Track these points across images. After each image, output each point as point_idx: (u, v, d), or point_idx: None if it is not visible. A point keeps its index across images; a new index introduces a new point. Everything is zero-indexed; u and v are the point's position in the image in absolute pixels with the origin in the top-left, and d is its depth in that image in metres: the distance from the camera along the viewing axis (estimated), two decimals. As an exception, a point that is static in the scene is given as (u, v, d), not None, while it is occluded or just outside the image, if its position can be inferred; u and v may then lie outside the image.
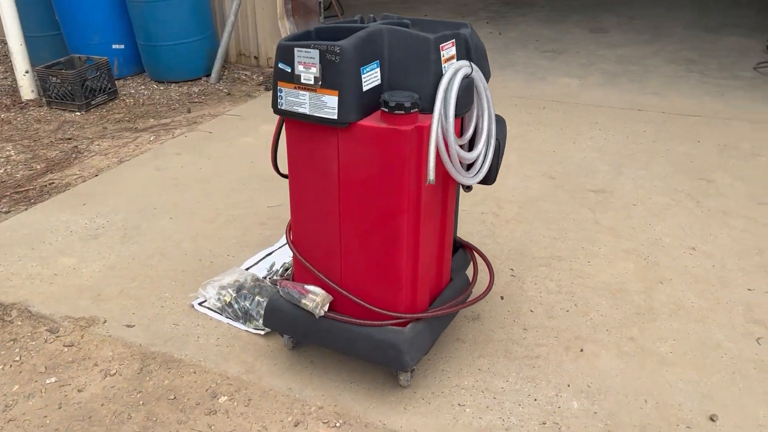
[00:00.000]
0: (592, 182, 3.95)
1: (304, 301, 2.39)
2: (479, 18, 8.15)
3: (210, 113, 5.33)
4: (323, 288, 2.41)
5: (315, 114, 2.09)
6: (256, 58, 6.41)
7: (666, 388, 2.44)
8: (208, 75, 6.09)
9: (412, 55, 2.12)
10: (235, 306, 2.84)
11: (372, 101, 2.11)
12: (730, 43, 6.82)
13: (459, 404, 2.39)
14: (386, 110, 2.03)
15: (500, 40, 7.17)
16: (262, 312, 2.76)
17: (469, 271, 2.72)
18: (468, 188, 2.42)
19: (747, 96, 5.33)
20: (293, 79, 2.09)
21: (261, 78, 6.12)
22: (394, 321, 2.34)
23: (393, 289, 2.31)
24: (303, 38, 2.15)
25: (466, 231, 3.42)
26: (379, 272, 2.29)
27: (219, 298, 2.89)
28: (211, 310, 2.90)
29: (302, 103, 2.10)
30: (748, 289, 2.97)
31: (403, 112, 2.01)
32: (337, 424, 2.31)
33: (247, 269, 3.17)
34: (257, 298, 2.83)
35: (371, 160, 2.12)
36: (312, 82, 2.06)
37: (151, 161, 4.42)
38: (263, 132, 4.85)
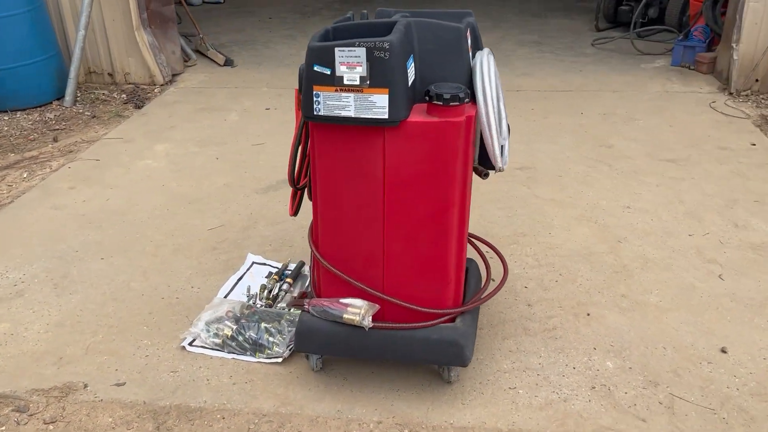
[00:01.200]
0: (513, 160, 4.16)
1: (346, 316, 2.26)
2: (324, 18, 8.15)
3: (83, 139, 4.76)
4: (362, 297, 2.29)
5: (362, 116, 1.98)
6: (110, 74, 5.83)
7: (674, 333, 2.67)
8: (61, 98, 5.43)
9: (443, 45, 2.09)
10: (240, 338, 2.59)
11: (411, 96, 2.04)
12: (558, 25, 7.53)
13: (510, 388, 2.41)
14: (440, 103, 1.98)
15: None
16: (275, 339, 2.57)
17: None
18: (487, 175, 2.44)
19: (599, 69, 5.94)
20: (334, 82, 1.96)
21: (124, 96, 5.59)
22: (443, 318, 2.30)
23: (441, 285, 2.27)
24: (336, 38, 2.02)
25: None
26: (427, 270, 2.24)
27: (216, 333, 2.62)
28: (208, 347, 2.62)
29: (346, 105, 1.98)
30: (689, 235, 3.34)
31: (458, 103, 1.98)
32: (407, 435, 2.22)
33: (225, 297, 2.90)
34: (262, 324, 2.61)
35: (422, 157, 2.06)
36: (358, 83, 1.95)
37: (43, 200, 3.85)
38: (161, 152, 4.45)
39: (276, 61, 6.44)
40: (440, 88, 1.99)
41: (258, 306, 2.77)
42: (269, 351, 2.57)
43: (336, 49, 1.93)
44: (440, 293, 2.28)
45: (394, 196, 2.13)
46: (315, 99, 2.00)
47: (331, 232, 2.26)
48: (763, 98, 5.12)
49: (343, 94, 1.97)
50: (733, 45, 5.19)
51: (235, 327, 2.62)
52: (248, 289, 2.93)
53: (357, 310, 2.25)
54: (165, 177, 4.08)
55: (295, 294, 2.85)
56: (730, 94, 5.23)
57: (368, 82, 1.94)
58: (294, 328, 2.46)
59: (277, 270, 3.04)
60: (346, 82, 1.95)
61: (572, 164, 4.12)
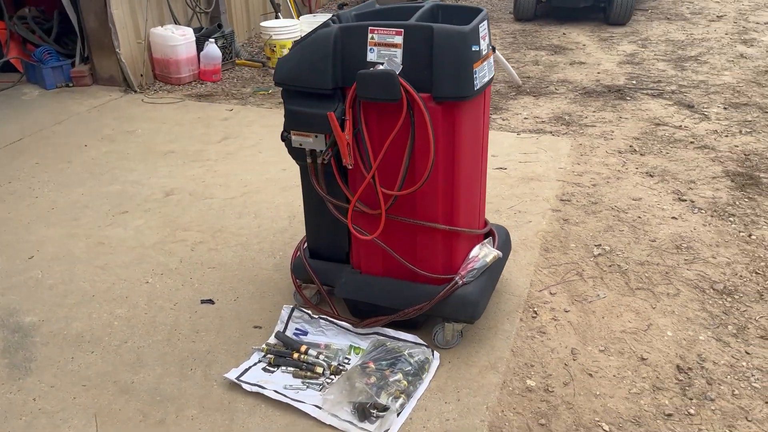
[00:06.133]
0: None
1: (489, 258, 2.57)
2: None
3: None
4: (477, 243, 2.63)
5: (489, 77, 2.35)
6: None
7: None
8: None
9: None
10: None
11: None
12: None
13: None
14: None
15: None
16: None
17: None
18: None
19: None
20: (480, 56, 2.24)
21: None
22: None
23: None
24: (426, 18, 2.26)
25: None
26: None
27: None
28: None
29: (484, 72, 2.30)
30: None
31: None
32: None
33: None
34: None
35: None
36: (486, 50, 2.31)
37: None
38: None
39: None
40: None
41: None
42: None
43: (480, 26, 2.22)
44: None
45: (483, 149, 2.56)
46: (475, 76, 2.22)
47: (464, 197, 2.46)
48: (161, 86, 5.97)
49: (484, 63, 2.28)
50: (117, 51, 5.72)
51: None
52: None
53: (488, 250, 2.60)
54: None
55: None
56: (136, 91, 5.83)
57: (490, 47, 2.33)
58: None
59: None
60: (484, 53, 2.28)
61: (188, 171, 4.23)
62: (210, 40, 6.02)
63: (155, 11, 6.02)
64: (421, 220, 2.44)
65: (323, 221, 2.66)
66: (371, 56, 2.28)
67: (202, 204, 3.82)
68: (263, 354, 2.58)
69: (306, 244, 2.83)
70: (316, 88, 2.35)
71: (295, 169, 4.17)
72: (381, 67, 2.23)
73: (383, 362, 2.42)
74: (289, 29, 6.18)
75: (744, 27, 7.67)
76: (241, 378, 2.46)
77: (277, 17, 6.77)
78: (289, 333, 2.69)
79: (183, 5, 6.35)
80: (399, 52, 2.24)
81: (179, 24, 6.24)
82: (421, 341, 2.57)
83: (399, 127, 2.28)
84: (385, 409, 2.26)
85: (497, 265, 2.67)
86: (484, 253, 2.58)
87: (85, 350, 2.67)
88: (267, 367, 2.53)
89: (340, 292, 2.66)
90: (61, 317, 2.87)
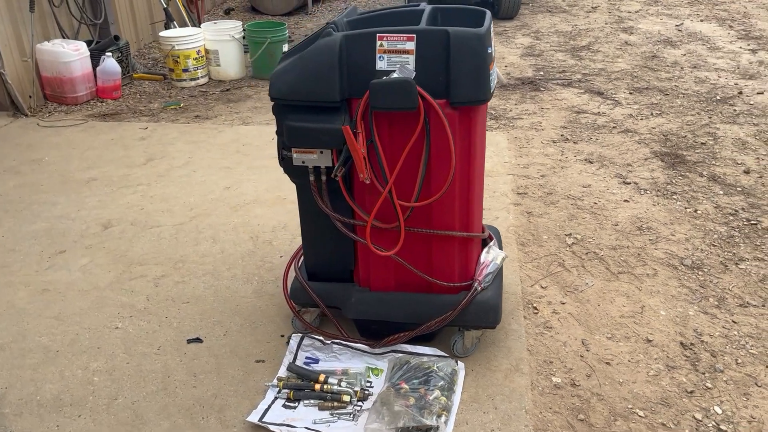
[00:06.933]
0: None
1: (499, 260, 2.55)
2: None
3: None
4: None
5: (495, 82, 2.33)
6: None
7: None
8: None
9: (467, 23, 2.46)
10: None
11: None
12: None
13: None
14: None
15: None
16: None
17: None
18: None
19: None
20: (491, 58, 2.21)
21: None
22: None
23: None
24: (430, 22, 2.21)
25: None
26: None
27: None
28: None
29: (494, 75, 2.27)
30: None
31: (483, 53, 2.57)
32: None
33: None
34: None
35: (483, 104, 2.55)
36: (494, 54, 2.27)
37: None
38: None
39: None
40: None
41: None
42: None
43: (491, 28, 2.18)
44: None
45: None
46: (491, 78, 2.18)
47: (479, 206, 2.42)
48: (55, 107, 5.42)
49: (494, 66, 2.25)
50: (2, 71, 5.11)
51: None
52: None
53: (496, 252, 2.58)
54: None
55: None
56: (27, 115, 5.25)
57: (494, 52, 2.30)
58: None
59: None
60: (493, 54, 2.24)
61: (120, 199, 3.87)
62: (107, 53, 5.55)
63: (39, 25, 5.44)
64: (438, 229, 2.36)
65: (326, 241, 2.51)
66: (381, 64, 2.18)
67: (149, 234, 3.50)
68: (278, 390, 2.40)
69: (300, 266, 2.67)
70: (321, 101, 2.21)
71: (241, 186, 3.95)
72: (395, 75, 2.14)
73: (415, 381, 2.33)
74: (192, 38, 5.83)
75: (619, 16, 8.24)
76: (264, 420, 2.27)
77: (168, 26, 6.35)
78: (299, 363, 2.52)
79: (69, 17, 5.80)
80: (411, 58, 2.15)
81: (67, 38, 5.69)
82: (442, 353, 2.51)
83: (417, 135, 2.19)
84: (428, 429, 2.18)
85: (502, 267, 2.66)
86: (492, 256, 2.55)
87: (69, 415, 2.35)
88: (287, 404, 2.36)
89: (351, 313, 2.53)
90: (28, 381, 2.51)
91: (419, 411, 2.20)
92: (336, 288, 2.58)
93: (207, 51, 6.00)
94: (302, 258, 2.72)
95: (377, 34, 2.15)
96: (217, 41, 5.96)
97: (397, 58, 2.16)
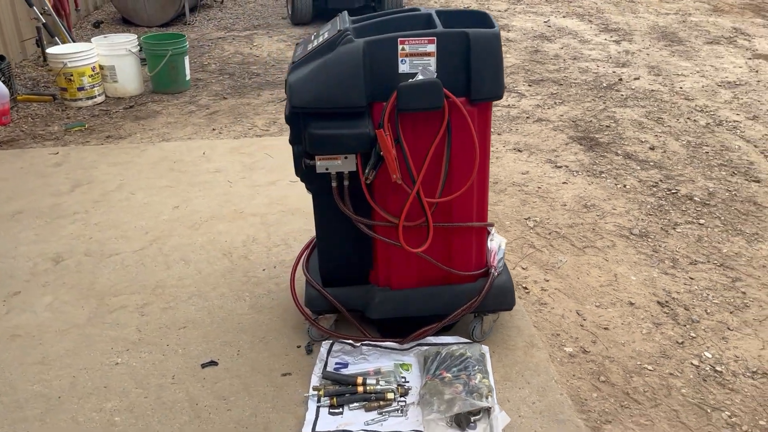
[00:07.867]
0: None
1: (504, 246, 2.71)
2: None
3: None
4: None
5: (498, 76, 2.47)
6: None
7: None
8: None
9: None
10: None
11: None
12: None
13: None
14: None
15: None
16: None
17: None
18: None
19: None
20: (499, 56, 2.35)
21: None
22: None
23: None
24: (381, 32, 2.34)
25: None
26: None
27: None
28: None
29: (499, 72, 2.41)
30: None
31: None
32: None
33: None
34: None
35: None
36: (496, 51, 2.42)
37: None
38: None
39: None
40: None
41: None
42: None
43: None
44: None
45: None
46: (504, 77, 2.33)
47: (482, 197, 2.55)
48: (-63, 139, 4.85)
49: (499, 64, 2.40)
50: None
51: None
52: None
53: (500, 238, 2.73)
54: None
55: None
56: None
57: (495, 49, 2.44)
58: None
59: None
60: (498, 53, 2.39)
61: (61, 230, 3.58)
62: (-9, 75, 5.06)
63: None
64: (458, 221, 2.47)
65: (344, 245, 2.53)
66: (403, 67, 2.25)
67: (110, 263, 3.28)
68: (317, 398, 2.39)
69: (308, 272, 2.67)
70: (347, 107, 2.24)
71: (191, 204, 3.80)
72: (420, 77, 2.22)
73: (455, 368, 2.43)
74: (85, 54, 5.44)
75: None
76: (317, 430, 2.26)
77: (40, 44, 5.85)
78: (329, 369, 2.53)
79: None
80: (432, 60, 2.25)
81: (-61, 61, 5.11)
82: (465, 339, 2.62)
83: (441, 133, 2.29)
84: (479, 411, 2.29)
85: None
86: (497, 242, 2.70)
87: (102, 461, 2.19)
88: (332, 410, 2.36)
89: (376, 313, 2.57)
90: (39, 433, 2.29)
91: (470, 395, 2.30)
92: (355, 291, 2.61)
93: (102, 67, 5.63)
94: (306, 265, 2.72)
95: (398, 39, 2.22)
96: (112, 56, 5.62)
97: (418, 60, 2.24)
